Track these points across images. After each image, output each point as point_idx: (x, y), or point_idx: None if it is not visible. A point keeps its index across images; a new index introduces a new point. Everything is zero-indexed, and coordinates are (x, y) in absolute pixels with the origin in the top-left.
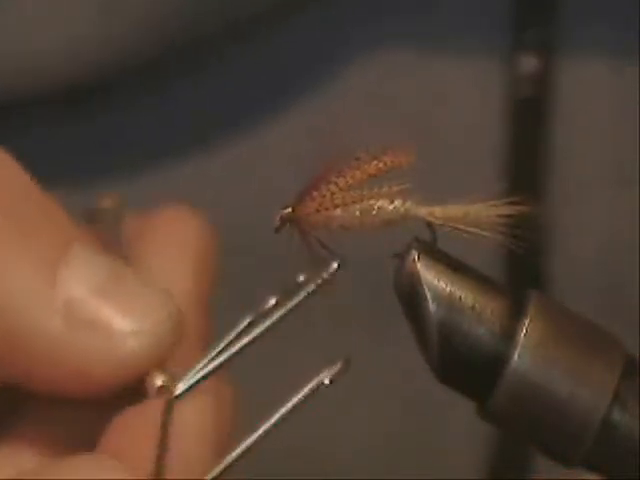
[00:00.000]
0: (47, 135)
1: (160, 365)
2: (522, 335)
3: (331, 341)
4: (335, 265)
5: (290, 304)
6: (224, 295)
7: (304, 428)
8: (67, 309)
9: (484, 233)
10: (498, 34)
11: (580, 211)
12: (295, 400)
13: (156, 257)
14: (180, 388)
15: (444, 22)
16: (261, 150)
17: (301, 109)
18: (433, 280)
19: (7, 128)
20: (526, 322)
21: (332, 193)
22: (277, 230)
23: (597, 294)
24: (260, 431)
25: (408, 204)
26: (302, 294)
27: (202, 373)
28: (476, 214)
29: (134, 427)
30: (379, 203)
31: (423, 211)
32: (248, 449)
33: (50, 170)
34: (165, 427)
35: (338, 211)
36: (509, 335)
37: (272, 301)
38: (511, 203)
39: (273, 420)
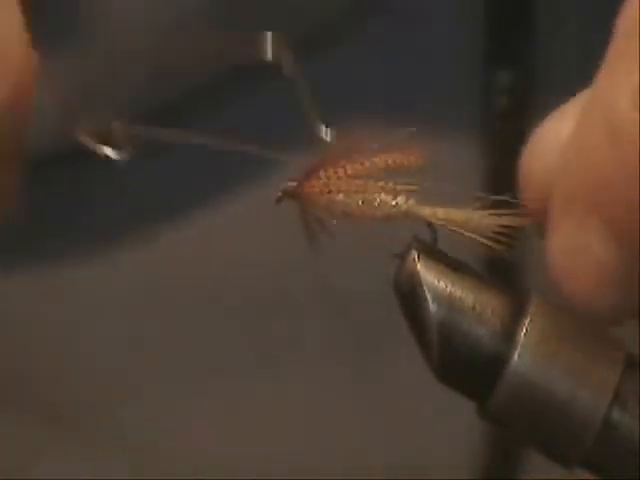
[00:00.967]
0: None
1: None
2: (522, 335)
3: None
4: None
5: None
6: None
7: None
8: None
9: (482, 240)
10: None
11: None
12: None
13: None
14: None
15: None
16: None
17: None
18: (433, 280)
19: None
20: (526, 322)
21: (338, 177)
22: (277, 201)
23: None
24: None
25: (411, 202)
26: None
27: None
28: (478, 221)
29: None
30: (382, 197)
31: (425, 211)
32: None
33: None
34: None
35: (341, 196)
36: (509, 335)
37: None
38: (512, 215)
39: None
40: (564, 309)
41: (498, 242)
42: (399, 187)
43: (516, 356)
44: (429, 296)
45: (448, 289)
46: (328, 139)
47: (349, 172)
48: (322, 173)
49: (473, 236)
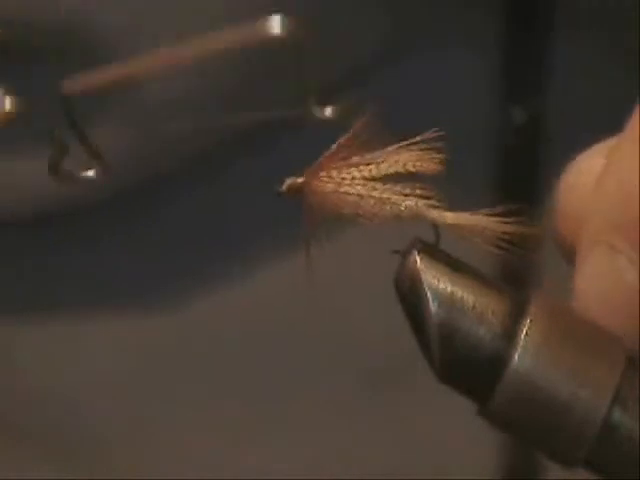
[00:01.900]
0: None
1: None
2: (523, 335)
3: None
4: None
5: None
6: None
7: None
8: None
9: (489, 247)
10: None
11: None
12: None
13: None
14: None
15: None
16: None
17: None
18: (434, 280)
19: None
20: (527, 322)
21: (353, 178)
22: (279, 194)
23: None
24: None
25: (421, 204)
26: None
27: None
28: (486, 226)
29: None
30: (394, 198)
31: (434, 214)
32: None
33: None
34: None
35: (354, 197)
36: (510, 335)
37: None
38: (522, 222)
39: None
40: (565, 309)
41: (505, 249)
42: (417, 190)
43: (517, 356)
44: (430, 296)
45: (449, 289)
46: (329, 116)
47: (365, 174)
48: (334, 172)
49: (480, 241)
